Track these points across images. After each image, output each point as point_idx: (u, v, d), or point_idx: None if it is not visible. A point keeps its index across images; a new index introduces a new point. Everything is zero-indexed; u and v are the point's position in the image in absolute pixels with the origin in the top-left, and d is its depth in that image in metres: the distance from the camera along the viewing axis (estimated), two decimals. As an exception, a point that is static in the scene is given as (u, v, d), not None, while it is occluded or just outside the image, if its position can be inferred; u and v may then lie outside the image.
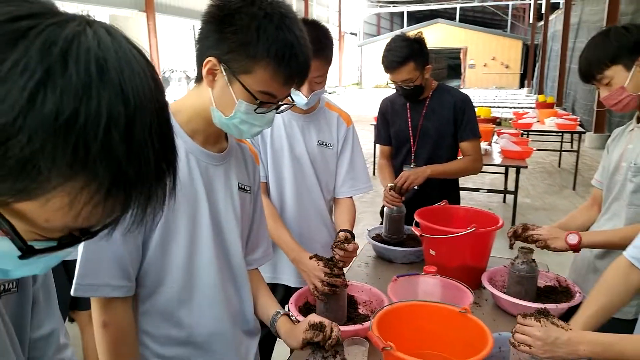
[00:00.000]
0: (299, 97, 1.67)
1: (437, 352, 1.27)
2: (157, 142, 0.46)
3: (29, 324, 0.75)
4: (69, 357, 0.81)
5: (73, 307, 2.12)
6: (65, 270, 1.80)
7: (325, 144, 1.85)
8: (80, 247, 1.01)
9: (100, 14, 12.71)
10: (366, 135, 8.93)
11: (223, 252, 1.17)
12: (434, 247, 1.87)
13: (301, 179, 1.81)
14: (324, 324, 1.14)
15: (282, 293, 1.85)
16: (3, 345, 0.67)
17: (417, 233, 1.90)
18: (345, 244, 1.60)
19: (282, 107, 1.10)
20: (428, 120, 2.36)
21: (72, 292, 1.01)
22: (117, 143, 0.42)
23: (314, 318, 1.17)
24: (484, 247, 1.88)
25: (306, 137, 1.81)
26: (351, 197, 1.94)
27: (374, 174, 7.63)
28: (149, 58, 0.49)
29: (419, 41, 2.20)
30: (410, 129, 2.39)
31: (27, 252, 0.46)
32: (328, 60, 1.67)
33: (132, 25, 14.26)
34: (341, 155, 1.90)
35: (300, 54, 1.00)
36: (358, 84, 28.56)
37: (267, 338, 1.80)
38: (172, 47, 14.98)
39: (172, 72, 15.55)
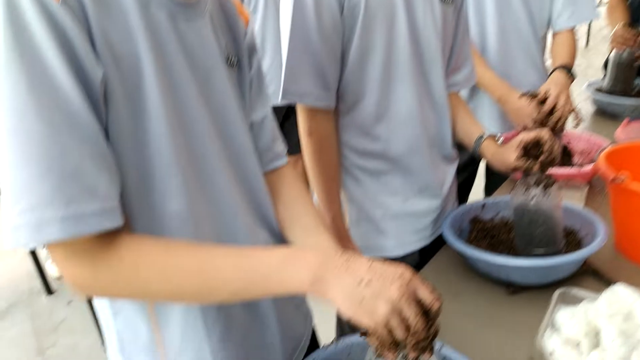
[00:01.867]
0: None
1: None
2: None
3: (246, 104, 0.78)
4: (281, 150, 0.85)
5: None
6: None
7: None
8: (284, 57, 1.02)
9: None
10: None
11: (421, 68, 1.08)
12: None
13: (506, 11, 1.53)
14: (543, 138, 0.98)
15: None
16: (235, 115, 0.71)
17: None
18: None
19: None
20: None
21: (279, 100, 1.04)
22: None
23: (527, 136, 1.01)
24: None
25: None
26: (572, 29, 1.59)
27: (585, 45, 6.56)
28: None
29: None
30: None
31: None
32: None
33: None
34: None
35: None
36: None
37: (468, 180, 1.70)
38: None
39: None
